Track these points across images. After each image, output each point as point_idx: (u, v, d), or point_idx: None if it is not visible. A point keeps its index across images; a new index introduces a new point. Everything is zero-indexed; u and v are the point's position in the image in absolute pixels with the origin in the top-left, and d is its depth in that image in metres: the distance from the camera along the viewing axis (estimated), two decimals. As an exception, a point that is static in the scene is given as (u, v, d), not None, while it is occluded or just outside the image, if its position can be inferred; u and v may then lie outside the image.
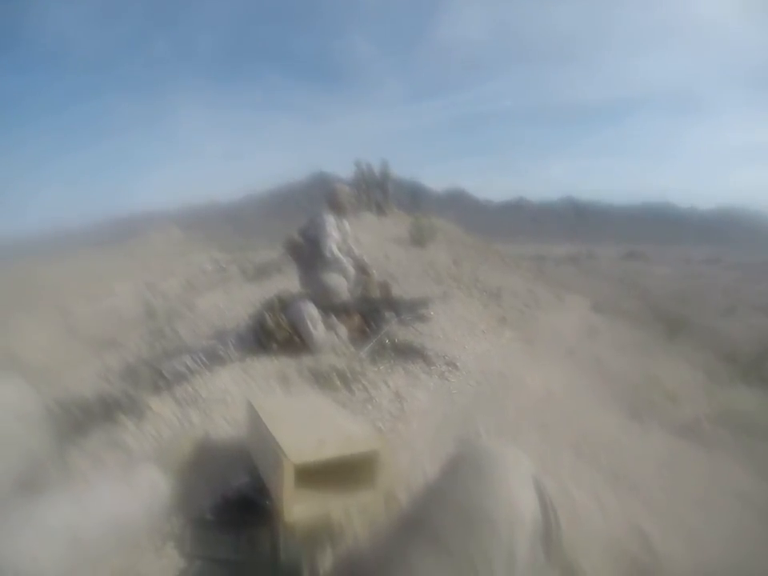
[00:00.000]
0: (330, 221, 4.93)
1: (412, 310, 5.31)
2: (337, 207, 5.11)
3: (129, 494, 1.90)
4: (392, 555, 1.44)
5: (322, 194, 5.33)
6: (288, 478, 1.78)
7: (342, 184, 5.60)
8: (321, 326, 4.49)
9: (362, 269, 5.17)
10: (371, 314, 4.95)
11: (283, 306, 4.66)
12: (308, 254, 4.94)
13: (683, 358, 6.07)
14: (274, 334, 4.41)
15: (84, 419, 3.15)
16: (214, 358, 4.23)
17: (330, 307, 4.76)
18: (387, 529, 1.69)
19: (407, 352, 4.42)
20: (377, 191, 14.91)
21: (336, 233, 4.91)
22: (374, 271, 5.47)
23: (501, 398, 3.78)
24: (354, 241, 5.32)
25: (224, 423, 3.12)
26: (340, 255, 4.86)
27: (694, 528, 2.34)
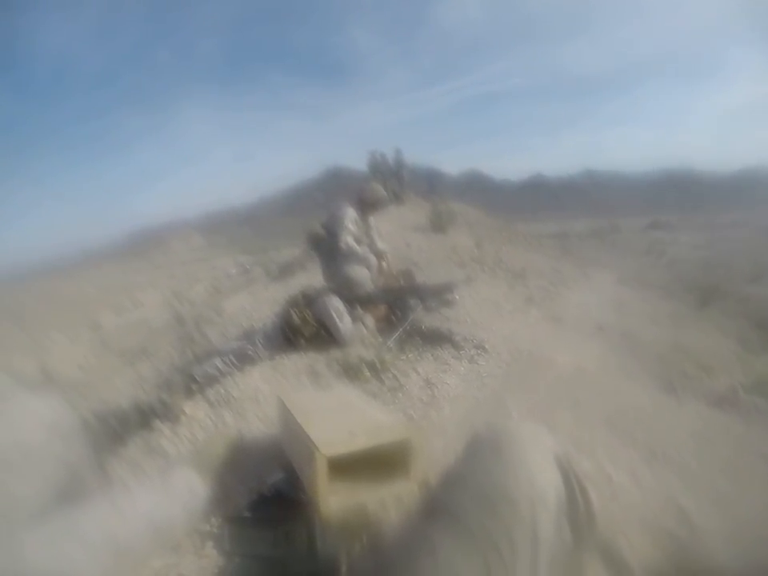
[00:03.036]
0: (350, 214, 4.94)
1: (437, 295, 5.30)
2: (368, 204, 5.13)
3: (167, 497, 1.92)
4: (415, 539, 1.43)
5: (337, 189, 5.35)
6: (321, 471, 1.79)
7: (375, 182, 5.62)
8: (347, 319, 4.50)
9: (376, 255, 5.17)
10: (396, 303, 4.95)
11: (308, 301, 4.67)
12: (329, 247, 4.96)
13: (714, 327, 5.96)
14: (300, 330, 4.43)
15: (121, 429, 3.21)
16: (243, 359, 4.26)
17: (355, 299, 4.77)
18: (412, 513, 1.69)
19: (435, 338, 4.41)
20: (392, 180, 14.89)
21: (353, 225, 4.92)
22: (389, 256, 5.47)
23: (531, 379, 3.76)
24: (377, 234, 5.33)
25: (257, 421, 3.15)
26: (356, 246, 4.86)
27: (731, 500, 2.29)
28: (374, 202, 5.18)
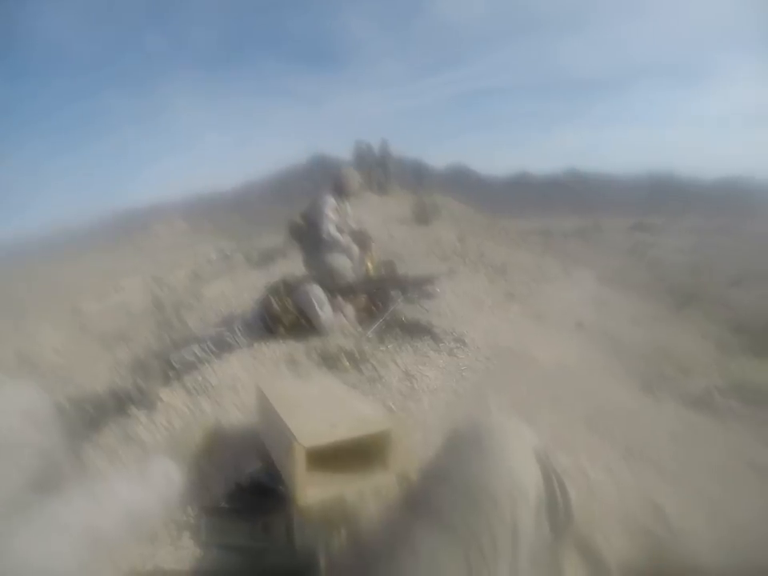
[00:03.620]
0: (330, 202, 4.91)
1: (418, 287, 5.30)
2: (344, 191, 5.09)
3: (143, 486, 1.90)
4: (397, 532, 1.44)
5: (324, 177, 5.32)
6: (300, 462, 1.77)
7: (349, 168, 5.58)
8: (328, 308, 4.49)
9: (360, 240, 5.14)
10: (377, 294, 4.94)
11: (289, 289, 4.65)
12: (311, 236, 4.93)
13: (694, 329, 6.03)
14: (280, 318, 4.41)
15: (97, 415, 3.18)
16: (222, 346, 4.24)
17: (336, 288, 4.75)
18: (393, 507, 1.69)
19: (415, 330, 4.42)
20: (378, 171, 14.84)
21: (335, 214, 4.89)
22: (373, 242, 5.45)
23: (511, 374, 3.77)
24: (354, 220, 5.30)
25: (235, 410, 3.13)
26: (339, 236, 4.84)
27: (707, 500, 2.33)
28: (349, 189, 5.14)
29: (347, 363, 3.76)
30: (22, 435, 1.70)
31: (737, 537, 2.01)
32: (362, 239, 5.14)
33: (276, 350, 4.11)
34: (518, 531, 1.31)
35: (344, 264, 4.88)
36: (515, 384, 3.59)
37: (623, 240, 16.03)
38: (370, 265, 5.23)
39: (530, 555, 1.33)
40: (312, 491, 1.84)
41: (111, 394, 3.48)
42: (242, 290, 7.67)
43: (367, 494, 2.02)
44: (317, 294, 4.47)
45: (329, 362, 3.81)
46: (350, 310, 4.73)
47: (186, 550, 1.91)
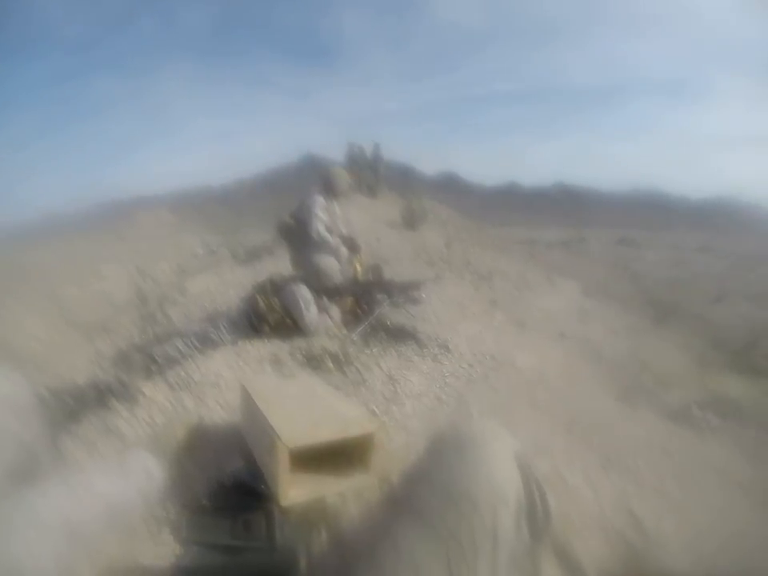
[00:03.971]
0: (319, 202, 4.90)
1: (404, 292, 5.32)
2: (332, 190, 5.08)
3: (123, 481, 1.89)
4: (378, 534, 1.45)
5: (313, 176, 5.29)
6: (283, 462, 1.78)
7: (338, 167, 5.58)
8: (314, 309, 4.49)
9: (349, 246, 5.14)
10: (363, 297, 4.95)
11: (275, 288, 4.64)
12: (299, 236, 4.92)
13: (673, 343, 6.11)
14: (266, 317, 4.40)
15: (77, 406, 3.14)
16: (206, 342, 4.22)
17: (323, 289, 4.75)
18: (375, 509, 1.70)
19: (399, 334, 4.43)
20: (368, 173, 14.87)
21: (324, 214, 4.89)
22: (362, 248, 5.45)
23: (493, 380, 3.81)
24: (344, 222, 5.30)
25: (217, 407, 3.12)
26: (328, 236, 4.84)
27: (684, 509, 2.37)
28: (337, 188, 5.14)
29: (331, 365, 3.76)
30: (1, 424, 1.68)
31: (710, 545, 2.06)
32: (351, 243, 5.14)
33: (260, 348, 4.10)
34: (498, 534, 1.33)
35: (332, 265, 4.88)
36: (496, 390, 3.64)
37: (607, 252, 16.18)
38: (358, 268, 5.23)
39: (509, 558, 1.35)
40: (294, 491, 1.85)
41: (92, 385, 3.44)
42: (227, 287, 7.63)
43: (348, 495, 2.03)
44: (303, 295, 4.47)
45: (313, 362, 3.81)
46: (335, 311, 4.73)
47: (165, 547, 1.90)
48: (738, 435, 3.45)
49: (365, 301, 4.92)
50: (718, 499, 2.56)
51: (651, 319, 7.33)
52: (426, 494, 1.42)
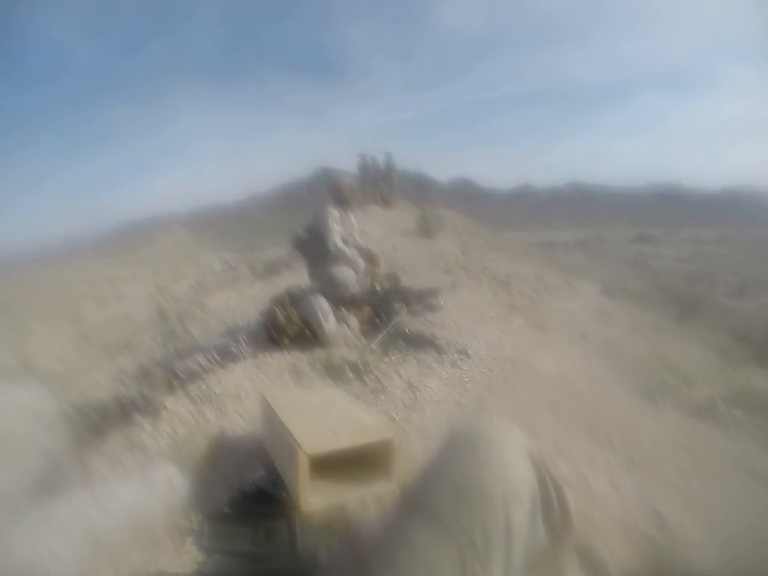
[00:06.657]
0: (333, 214, 4.94)
1: (421, 300, 5.32)
2: (340, 200, 5.12)
3: (146, 491, 1.92)
4: (393, 533, 1.45)
5: (326, 189, 5.33)
6: (303, 469, 1.79)
7: (344, 177, 5.61)
8: (332, 319, 4.51)
9: (369, 259, 5.16)
10: (381, 306, 4.96)
11: (293, 300, 4.68)
12: (315, 249, 4.96)
13: (696, 339, 6.03)
14: (285, 329, 4.43)
15: (101, 422, 3.19)
16: (226, 356, 4.25)
17: (340, 300, 4.78)
18: (391, 509, 1.70)
19: (418, 342, 4.42)
20: (382, 184, 14.94)
21: (339, 226, 4.92)
22: (381, 259, 5.46)
23: (513, 385, 3.78)
24: (360, 233, 5.33)
25: (238, 418, 3.14)
26: (345, 248, 4.87)
27: (709, 508, 2.33)
28: (345, 197, 5.16)
29: (351, 374, 3.77)
30: (29, 435, 1.72)
31: (737, 544, 2.02)
32: (369, 255, 5.16)
33: (280, 360, 4.12)
34: (512, 531, 1.33)
35: (348, 276, 4.91)
36: (517, 394, 3.61)
37: (625, 251, 16.06)
38: (375, 280, 5.24)
39: (523, 555, 1.35)
40: (314, 498, 1.85)
41: (115, 401, 3.49)
42: (246, 301, 7.70)
43: (368, 502, 2.03)
44: (321, 306, 4.50)
45: (333, 372, 3.82)
46: (353, 321, 4.74)
47: (188, 555, 1.91)
48: (764, 429, 3.39)
49: (382, 310, 4.93)
50: (743, 496, 2.52)
51: (672, 316, 7.26)
52: (440, 492, 1.42)
